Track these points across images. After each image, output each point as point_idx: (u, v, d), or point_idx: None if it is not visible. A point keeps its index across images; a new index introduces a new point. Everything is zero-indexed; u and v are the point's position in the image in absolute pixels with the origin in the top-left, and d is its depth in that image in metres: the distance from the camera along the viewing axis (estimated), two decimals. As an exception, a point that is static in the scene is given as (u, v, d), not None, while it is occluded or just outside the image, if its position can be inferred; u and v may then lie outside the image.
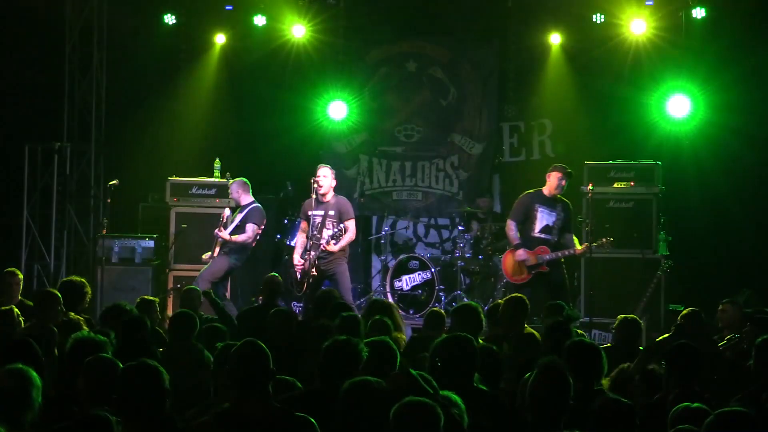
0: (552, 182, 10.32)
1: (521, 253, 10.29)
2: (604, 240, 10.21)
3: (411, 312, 11.83)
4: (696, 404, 4.69)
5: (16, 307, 8.41)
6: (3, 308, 7.79)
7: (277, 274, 9.74)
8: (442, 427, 4.01)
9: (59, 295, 7.79)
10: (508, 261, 10.51)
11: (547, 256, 10.21)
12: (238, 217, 10.91)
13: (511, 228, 10.48)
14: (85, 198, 13.35)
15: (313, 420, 4.45)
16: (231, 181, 11.25)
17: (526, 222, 10.39)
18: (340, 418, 4.33)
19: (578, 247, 10.23)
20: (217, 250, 10.89)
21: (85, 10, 13.08)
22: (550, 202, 10.33)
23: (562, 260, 10.36)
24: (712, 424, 4.20)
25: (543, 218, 10.34)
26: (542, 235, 10.32)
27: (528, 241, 10.33)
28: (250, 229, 10.87)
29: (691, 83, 12.41)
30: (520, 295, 8.27)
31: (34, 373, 4.51)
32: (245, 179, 11.15)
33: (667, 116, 12.55)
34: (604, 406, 4.77)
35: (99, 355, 5.08)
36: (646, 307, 10.70)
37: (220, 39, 13.44)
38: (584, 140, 12.91)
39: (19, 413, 4.38)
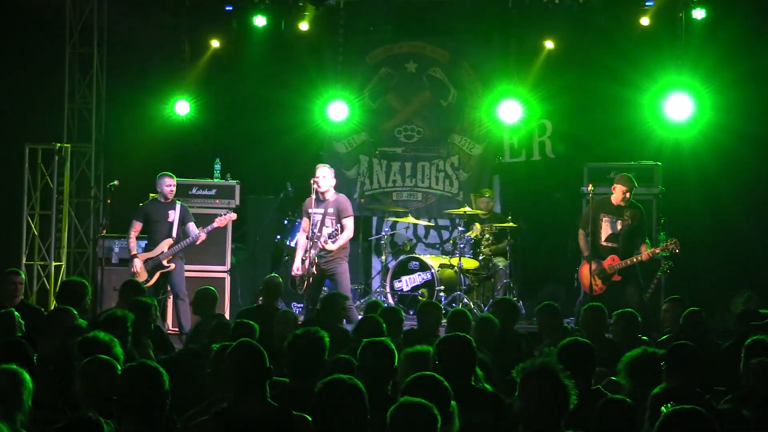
0: (617, 195, 10.17)
1: (593, 264, 10.19)
2: (668, 243, 10.05)
3: (411, 313, 11.81)
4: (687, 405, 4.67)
5: (18, 308, 8.42)
6: (2, 311, 7.80)
7: (277, 275, 9.74)
8: (438, 427, 4.00)
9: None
10: (583, 272, 10.42)
11: (618, 265, 10.08)
12: (174, 216, 10.96)
13: (581, 238, 10.39)
14: (85, 198, 13.36)
15: (310, 418, 4.45)
16: (170, 174, 11.09)
17: (594, 231, 10.25)
18: (317, 416, 4.30)
19: (645, 252, 10.05)
20: (167, 259, 10.88)
21: (85, 10, 13.10)
22: (617, 210, 10.20)
23: (637, 268, 10.20)
24: (663, 424, 4.13)
25: (608, 227, 10.23)
26: (609, 244, 10.20)
27: (597, 250, 10.22)
28: (195, 226, 10.98)
29: (691, 84, 12.41)
30: (597, 303, 8.29)
31: (27, 375, 4.51)
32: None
33: (667, 117, 12.55)
34: (606, 406, 4.76)
35: (96, 356, 5.08)
36: (645, 307, 10.67)
37: (220, 39, 13.44)
38: (584, 141, 12.92)
39: (11, 413, 4.38)
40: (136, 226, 11.03)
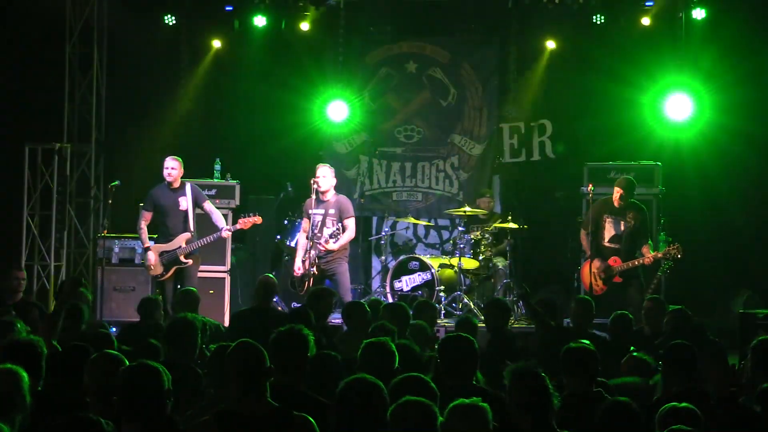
0: (614, 196, 10.19)
1: (596, 263, 10.17)
2: (671, 248, 10.03)
3: (411, 313, 11.79)
4: (683, 404, 4.68)
5: (19, 304, 8.45)
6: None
7: (271, 275, 9.71)
8: (438, 426, 4.01)
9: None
10: (584, 273, 10.40)
11: (619, 267, 10.05)
12: (187, 204, 10.44)
13: (583, 238, 10.37)
14: (85, 198, 13.36)
15: (311, 419, 4.45)
16: (173, 156, 10.58)
17: (597, 232, 10.25)
18: (336, 416, 4.33)
19: (648, 255, 10.03)
20: (185, 255, 10.41)
21: (85, 10, 13.09)
22: (618, 211, 10.19)
23: (638, 269, 10.17)
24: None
25: (611, 228, 10.23)
26: (612, 245, 10.19)
27: (600, 251, 10.19)
28: (212, 205, 10.59)
29: (691, 84, 12.42)
30: (586, 297, 8.29)
31: (24, 374, 4.51)
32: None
33: (666, 117, 12.56)
34: (610, 409, 4.77)
35: (104, 351, 5.07)
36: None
37: (220, 39, 13.44)
38: (584, 141, 12.92)
39: (10, 413, 4.37)
40: (146, 216, 10.55)
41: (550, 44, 13.11)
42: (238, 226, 10.62)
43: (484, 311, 8.39)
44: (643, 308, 8.46)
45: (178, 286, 10.48)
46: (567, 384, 5.59)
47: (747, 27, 12.33)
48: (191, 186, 10.60)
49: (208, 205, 10.60)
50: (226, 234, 10.61)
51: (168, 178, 10.48)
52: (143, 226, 10.59)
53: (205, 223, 10.70)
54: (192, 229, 10.47)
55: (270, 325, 7.29)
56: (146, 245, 10.53)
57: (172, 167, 10.47)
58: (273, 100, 13.25)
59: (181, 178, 10.60)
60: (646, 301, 8.64)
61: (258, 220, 10.59)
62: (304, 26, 13.32)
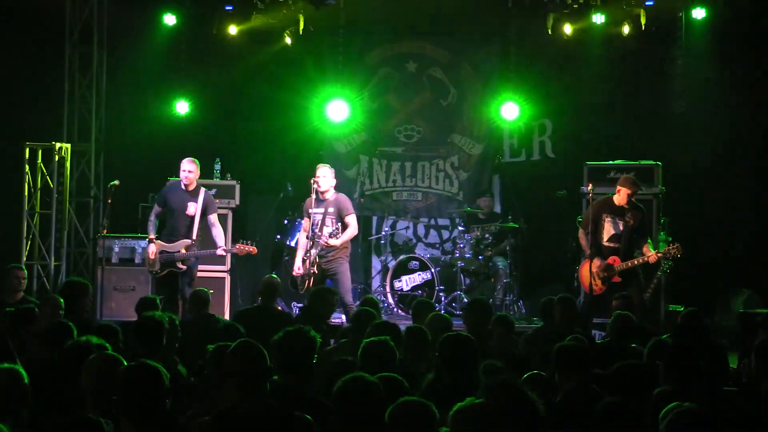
0: (621, 197, 10.16)
1: (595, 262, 10.14)
2: (671, 247, 10.02)
3: (411, 312, 11.81)
4: (687, 404, 4.68)
5: (19, 303, 8.44)
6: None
7: (275, 276, 9.70)
8: (436, 426, 4.01)
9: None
10: (583, 272, 10.38)
11: (619, 266, 10.04)
12: (196, 209, 10.41)
13: (582, 237, 10.36)
14: (85, 198, 13.37)
15: (311, 419, 4.45)
16: (191, 158, 10.54)
17: (595, 231, 10.22)
18: (335, 416, 4.32)
19: (647, 254, 10.02)
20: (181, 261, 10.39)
21: (85, 10, 13.12)
22: (619, 211, 10.18)
23: (638, 268, 10.18)
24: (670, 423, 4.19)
25: (611, 227, 10.22)
26: (611, 244, 10.18)
27: (599, 251, 10.18)
28: (217, 220, 10.57)
29: (691, 83, 12.41)
30: (568, 295, 8.28)
31: (23, 371, 4.51)
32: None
33: (666, 116, 12.55)
34: (607, 408, 4.76)
35: (102, 353, 5.07)
36: (646, 308, 10.67)
37: (219, 39, 13.43)
38: (584, 140, 12.91)
39: (16, 411, 4.37)
40: (157, 210, 10.55)
41: (550, 43, 13.10)
42: (234, 250, 10.57)
43: (464, 312, 8.36)
44: (612, 307, 8.46)
45: (178, 287, 10.49)
46: (560, 384, 5.59)
47: (747, 26, 12.33)
48: (205, 194, 10.57)
49: (214, 218, 10.54)
50: (221, 253, 10.60)
51: (184, 181, 10.46)
52: (152, 218, 10.58)
53: (210, 233, 10.63)
54: (195, 236, 10.44)
55: (274, 325, 7.31)
56: (151, 236, 10.49)
57: (189, 170, 10.46)
58: (273, 100, 13.24)
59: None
60: (614, 301, 8.65)
61: (253, 250, 10.49)
62: (304, 26, 13.30)
